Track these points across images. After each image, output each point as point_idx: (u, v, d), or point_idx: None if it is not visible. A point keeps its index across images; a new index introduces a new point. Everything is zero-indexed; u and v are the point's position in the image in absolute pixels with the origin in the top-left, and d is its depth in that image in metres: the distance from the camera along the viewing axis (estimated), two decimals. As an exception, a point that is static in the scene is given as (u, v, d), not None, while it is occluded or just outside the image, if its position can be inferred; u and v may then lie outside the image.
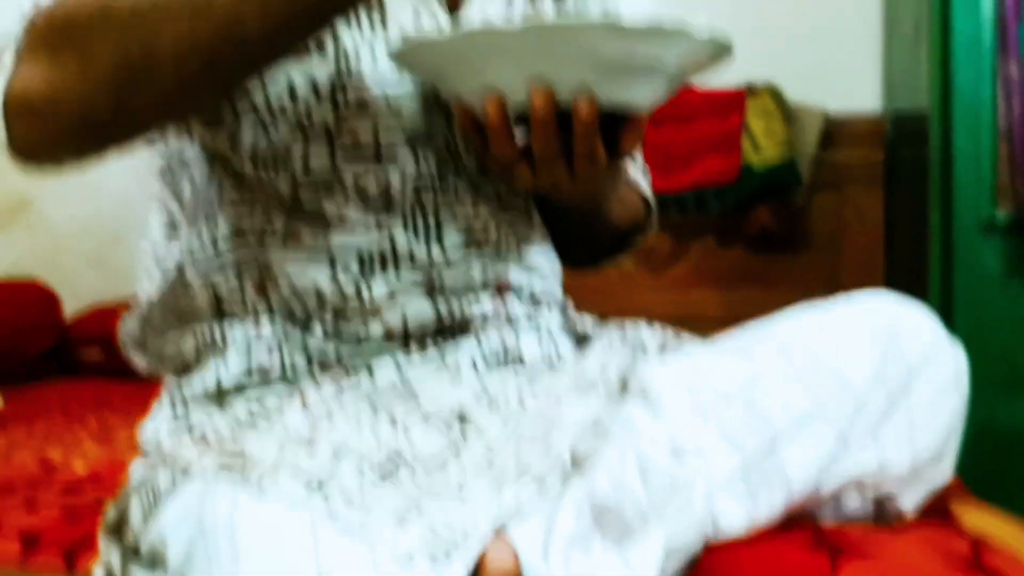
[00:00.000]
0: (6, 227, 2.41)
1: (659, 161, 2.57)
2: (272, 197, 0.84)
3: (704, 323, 2.56)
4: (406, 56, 0.78)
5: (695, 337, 0.97)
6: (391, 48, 0.79)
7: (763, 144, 2.48)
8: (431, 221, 0.86)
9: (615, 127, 0.78)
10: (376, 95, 0.83)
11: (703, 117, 2.55)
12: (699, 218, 2.55)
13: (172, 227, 0.89)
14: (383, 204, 0.85)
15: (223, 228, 0.85)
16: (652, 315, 2.50)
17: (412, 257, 0.85)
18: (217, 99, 0.77)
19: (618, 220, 1.03)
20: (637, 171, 1.08)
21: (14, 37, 0.68)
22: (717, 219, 2.53)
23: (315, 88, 0.82)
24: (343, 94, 0.82)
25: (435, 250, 0.86)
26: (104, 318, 2.25)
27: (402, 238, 0.85)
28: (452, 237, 0.87)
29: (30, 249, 2.29)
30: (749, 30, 2.69)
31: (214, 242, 0.85)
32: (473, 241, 0.88)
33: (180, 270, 0.87)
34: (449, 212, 0.87)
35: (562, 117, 0.74)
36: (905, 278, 2.37)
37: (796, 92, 2.55)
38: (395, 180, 0.85)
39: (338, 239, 0.84)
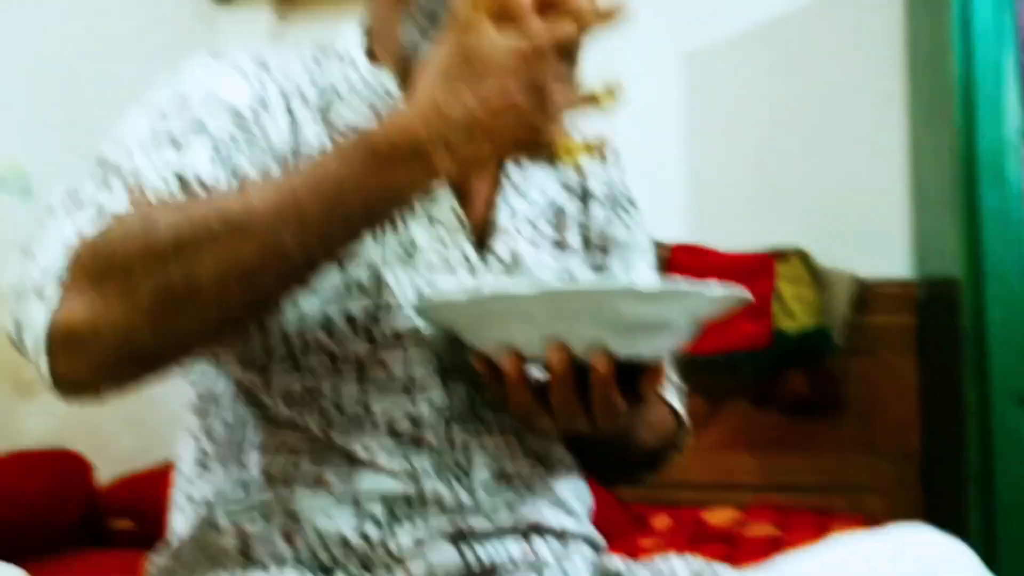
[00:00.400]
0: (42, 392, 2.43)
1: (690, 325, 2.57)
2: (302, 438, 0.84)
3: (740, 489, 2.54)
4: (427, 312, 0.81)
5: (729, 569, 0.94)
6: (413, 302, 0.81)
7: (794, 309, 2.49)
8: (460, 457, 0.85)
9: (635, 371, 0.78)
10: (409, 328, 0.84)
11: (734, 282, 2.56)
12: (733, 381, 2.54)
13: (203, 465, 0.89)
14: (412, 440, 0.84)
15: (252, 471, 0.85)
16: (688, 480, 2.48)
17: (440, 502, 0.84)
18: (258, 317, 0.78)
19: (647, 443, 1.01)
20: (670, 388, 1.06)
21: (58, 269, 0.68)
22: (751, 382, 2.52)
23: (350, 322, 0.83)
24: (377, 327, 0.83)
25: (463, 493, 0.85)
26: (136, 487, 2.24)
27: (430, 480, 0.84)
28: (481, 473, 0.86)
29: (65, 413, 2.30)
30: (777, 196, 2.74)
31: (243, 485, 0.85)
32: (502, 476, 0.87)
33: (210, 509, 0.86)
34: (478, 445, 0.86)
35: (580, 367, 0.75)
36: (941, 445, 2.33)
37: (826, 257, 2.56)
38: (425, 412, 0.85)
39: (366, 483, 0.83)
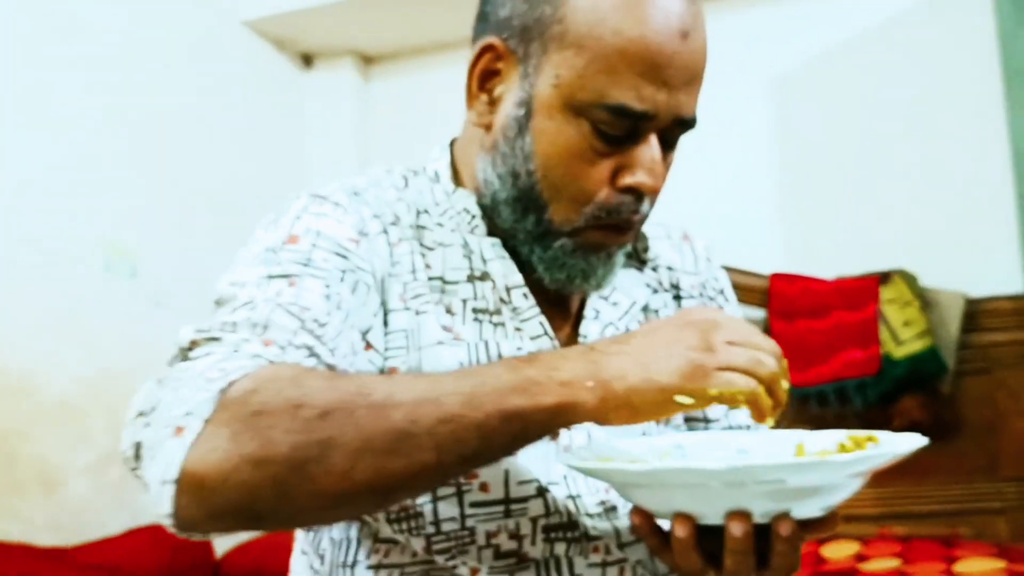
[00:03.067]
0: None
1: (796, 355, 2.53)
2: (406, 558, 0.85)
3: (859, 521, 2.47)
4: (588, 472, 0.79)
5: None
6: (565, 459, 0.80)
7: (902, 332, 2.42)
8: (564, 569, 0.85)
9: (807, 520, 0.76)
10: None
11: (837, 308, 2.51)
12: (843, 411, 2.48)
13: None
14: (516, 561, 0.84)
15: None
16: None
17: None
18: (376, 508, 0.77)
19: None
20: None
21: (205, 409, 0.68)
22: (862, 411, 2.45)
23: None
24: None
25: None
26: (253, 553, 2.29)
27: None
28: None
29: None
30: (876, 217, 2.68)
31: None
32: None
33: None
34: (582, 557, 0.86)
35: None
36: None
37: (932, 277, 2.49)
38: (525, 528, 0.84)
39: None
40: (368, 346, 0.83)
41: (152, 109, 2.54)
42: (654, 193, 0.85)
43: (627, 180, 0.83)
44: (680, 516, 0.73)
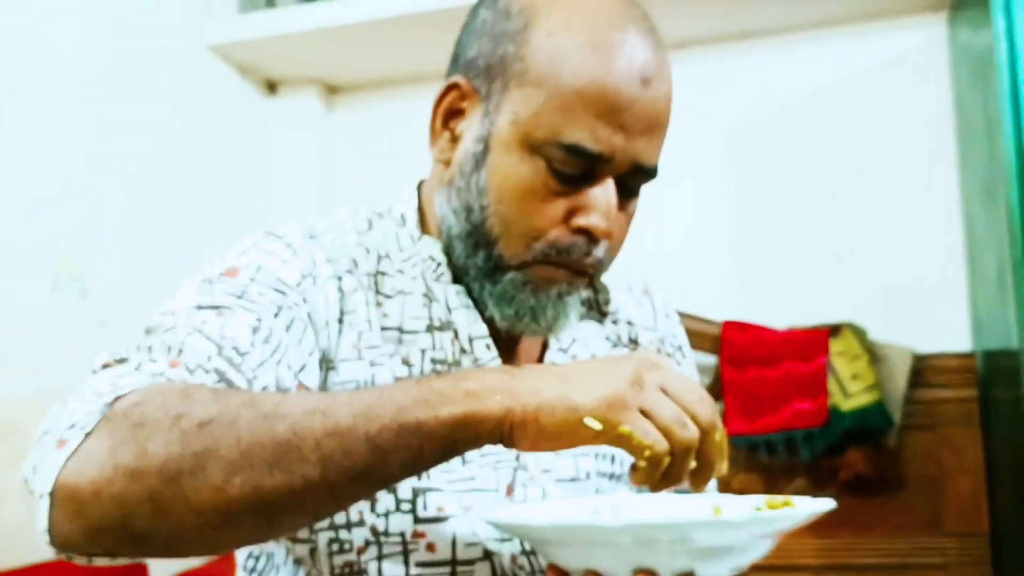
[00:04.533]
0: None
1: (746, 403, 2.54)
2: None
3: (801, 572, 2.48)
4: (502, 527, 0.78)
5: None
6: (485, 516, 0.78)
7: (850, 385, 2.45)
8: None
9: None
10: (455, 504, 0.83)
11: (787, 358, 2.53)
12: (790, 461, 2.49)
13: None
14: None
15: None
16: (746, 564, 2.42)
17: None
18: (263, 533, 0.73)
19: None
20: None
21: (87, 421, 0.66)
22: (809, 462, 2.46)
23: (396, 498, 0.82)
24: (424, 504, 0.82)
25: None
26: (190, 584, 2.25)
27: None
28: None
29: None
30: (828, 271, 2.71)
31: None
32: None
33: None
34: None
35: None
36: (1010, 522, 2.27)
37: (882, 332, 2.52)
38: None
39: None
40: (300, 386, 0.80)
41: (111, 129, 2.52)
42: (607, 236, 0.84)
43: (580, 221, 0.83)
44: (590, 573, 0.72)
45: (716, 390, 2.60)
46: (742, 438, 2.48)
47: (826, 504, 0.75)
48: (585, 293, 0.88)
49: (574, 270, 0.85)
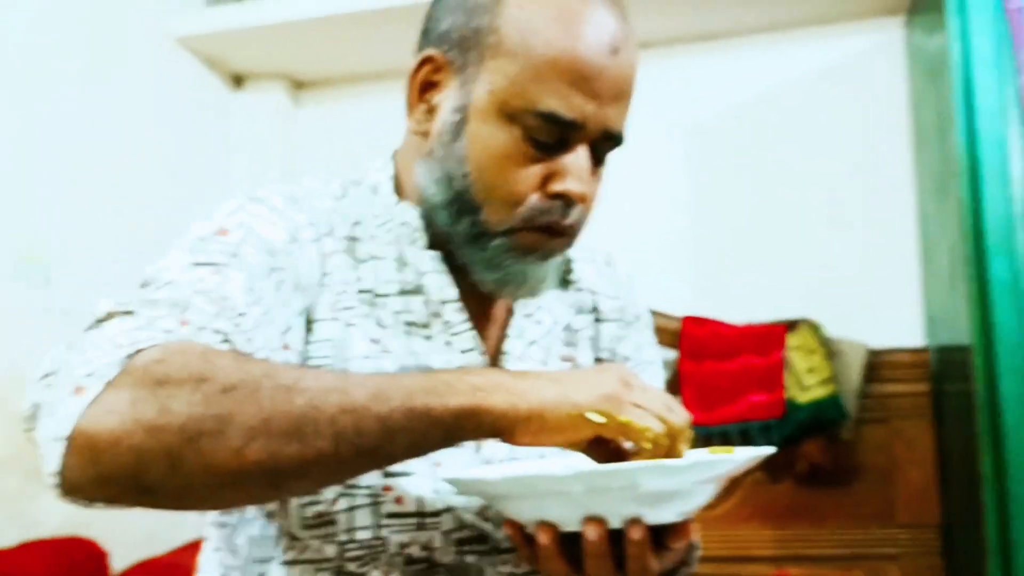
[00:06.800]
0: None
1: (703, 395, 2.58)
2: (320, 560, 0.86)
3: (757, 562, 2.52)
4: (457, 484, 0.82)
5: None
6: (444, 475, 0.82)
7: (806, 379, 2.49)
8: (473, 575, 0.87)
9: (664, 527, 0.79)
10: (422, 460, 0.85)
11: (744, 352, 2.58)
12: (746, 453, 2.53)
13: None
14: (427, 567, 0.86)
15: None
16: (704, 554, 2.46)
17: None
18: (268, 496, 0.76)
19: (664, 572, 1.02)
20: None
21: (109, 371, 0.68)
22: (765, 453, 2.51)
23: None
24: None
25: None
26: (150, 572, 2.25)
27: None
28: None
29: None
30: (785, 267, 2.76)
31: None
32: None
33: None
34: (491, 568, 0.88)
35: (612, 532, 0.77)
36: (960, 513, 2.32)
37: (838, 327, 2.57)
38: (437, 541, 0.87)
39: None
40: (285, 347, 0.83)
41: (76, 118, 2.51)
42: (583, 200, 0.88)
43: (556, 186, 0.86)
44: (543, 524, 0.76)
45: (675, 383, 2.64)
46: (699, 429, 2.52)
47: (764, 450, 0.79)
48: (565, 256, 0.92)
49: (554, 233, 0.88)
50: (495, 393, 0.72)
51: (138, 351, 0.69)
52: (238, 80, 3.18)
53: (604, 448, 0.78)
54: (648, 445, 0.73)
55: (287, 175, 3.11)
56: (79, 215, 2.50)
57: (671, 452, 0.75)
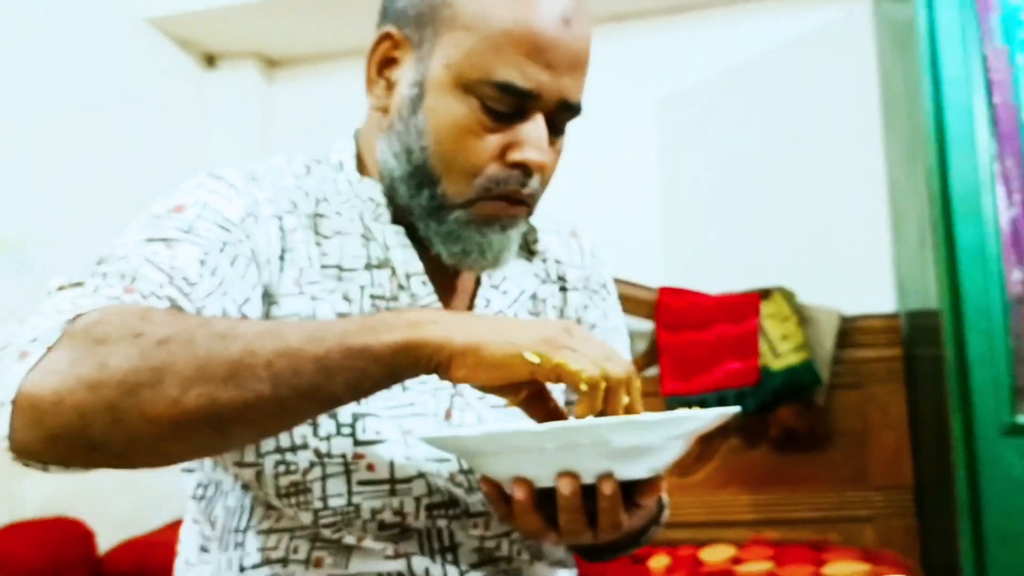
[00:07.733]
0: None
1: (680, 364, 2.62)
2: (296, 527, 0.88)
3: (735, 526, 2.57)
4: (434, 443, 0.83)
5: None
6: (421, 435, 0.83)
7: (780, 346, 2.53)
8: (446, 541, 0.90)
9: (635, 483, 0.81)
10: (392, 428, 0.88)
11: (719, 321, 2.61)
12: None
13: (204, 549, 0.93)
14: (399, 531, 0.89)
15: (251, 555, 0.89)
16: (683, 519, 2.52)
17: None
18: (215, 445, 0.76)
19: (633, 529, 1.03)
20: None
21: (50, 336, 0.69)
22: (741, 420, 2.55)
23: (336, 423, 0.87)
24: (363, 428, 0.87)
25: (452, 568, 0.89)
26: (137, 551, 2.27)
27: (419, 562, 0.88)
28: (467, 557, 0.90)
29: (61, 482, 2.33)
30: (758, 237, 2.80)
31: (241, 569, 0.89)
32: (488, 559, 0.91)
33: None
34: (463, 531, 0.91)
35: (584, 487, 0.78)
36: (932, 475, 2.37)
37: (810, 295, 2.61)
38: (409, 506, 0.89)
39: (359, 565, 0.87)
40: (244, 317, 0.84)
41: (48, 101, 2.51)
42: (541, 170, 0.89)
43: (515, 156, 0.88)
44: (518, 480, 0.78)
45: (652, 354, 2.67)
46: (676, 398, 2.56)
47: (731, 409, 0.81)
48: (524, 226, 0.93)
49: (513, 201, 0.90)
50: (431, 326, 0.73)
51: (78, 315, 0.71)
52: (210, 60, 3.17)
53: (544, 407, 0.79)
54: (584, 387, 0.74)
55: (262, 154, 3.11)
56: (56, 199, 2.50)
57: (608, 400, 0.75)
